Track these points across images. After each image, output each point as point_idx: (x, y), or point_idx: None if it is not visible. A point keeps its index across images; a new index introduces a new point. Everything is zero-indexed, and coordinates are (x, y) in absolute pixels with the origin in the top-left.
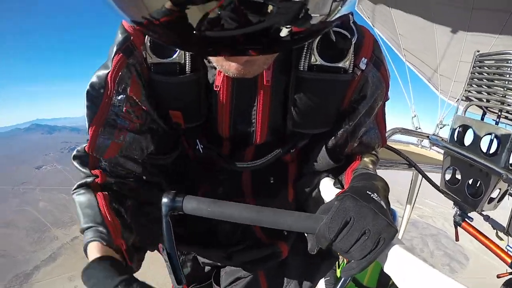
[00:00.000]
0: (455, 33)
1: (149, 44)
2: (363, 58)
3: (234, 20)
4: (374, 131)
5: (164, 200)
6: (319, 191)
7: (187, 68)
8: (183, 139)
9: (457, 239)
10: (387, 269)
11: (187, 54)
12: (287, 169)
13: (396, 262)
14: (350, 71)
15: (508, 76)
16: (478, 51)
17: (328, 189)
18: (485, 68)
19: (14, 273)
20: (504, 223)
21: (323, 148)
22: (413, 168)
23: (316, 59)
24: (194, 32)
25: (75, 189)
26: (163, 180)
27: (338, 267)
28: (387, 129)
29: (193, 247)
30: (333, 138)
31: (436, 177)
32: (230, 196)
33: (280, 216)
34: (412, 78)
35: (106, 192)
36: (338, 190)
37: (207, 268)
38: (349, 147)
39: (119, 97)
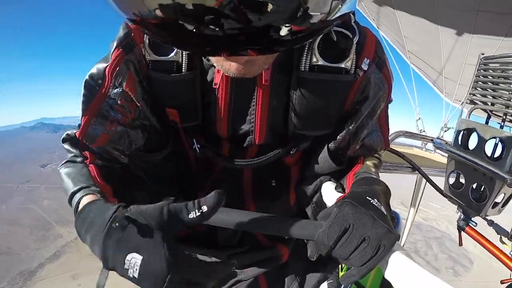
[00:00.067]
0: (460, 36)
1: (147, 42)
2: (365, 59)
3: (233, 19)
4: (376, 134)
5: None
6: (320, 195)
7: (183, 66)
8: (182, 139)
9: (460, 243)
10: (388, 275)
11: (184, 53)
12: (290, 172)
13: (397, 268)
14: (352, 72)
15: None
16: (482, 54)
17: (329, 193)
18: (490, 71)
19: (18, 270)
20: (508, 227)
21: (325, 150)
22: (417, 172)
23: (318, 59)
24: (193, 31)
25: (63, 163)
26: (146, 178)
27: (341, 270)
28: (391, 132)
29: (193, 249)
30: (335, 140)
31: (441, 181)
32: (230, 198)
33: (279, 223)
34: (417, 81)
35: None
36: (340, 194)
37: None
38: (351, 150)
39: (115, 91)
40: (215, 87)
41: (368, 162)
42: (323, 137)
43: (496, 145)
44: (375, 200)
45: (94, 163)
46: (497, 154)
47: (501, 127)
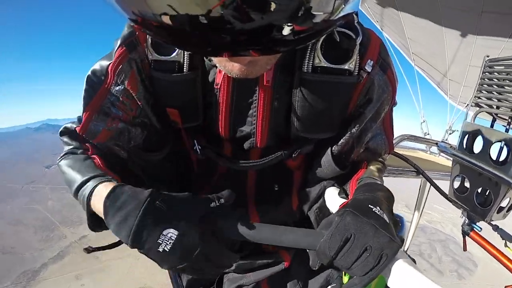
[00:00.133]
0: (465, 37)
1: (150, 41)
2: (369, 60)
3: (236, 19)
4: (380, 137)
5: None
6: (324, 200)
7: (185, 66)
8: (184, 140)
9: (464, 248)
10: (391, 283)
11: (185, 53)
12: (292, 176)
13: (400, 277)
14: (355, 73)
15: None
16: (487, 56)
17: (333, 198)
18: (495, 73)
19: (22, 270)
20: None
21: (329, 153)
22: (421, 176)
23: (320, 60)
24: (194, 31)
25: (63, 156)
26: (144, 176)
27: (344, 274)
28: (395, 135)
29: None
30: (338, 143)
31: (445, 184)
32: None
33: (280, 233)
34: (421, 83)
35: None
36: (343, 200)
37: None
38: (355, 153)
39: (117, 88)
40: (216, 87)
41: (371, 167)
42: (326, 140)
43: (501, 149)
44: (377, 208)
45: (97, 154)
46: (502, 158)
47: (507, 130)
